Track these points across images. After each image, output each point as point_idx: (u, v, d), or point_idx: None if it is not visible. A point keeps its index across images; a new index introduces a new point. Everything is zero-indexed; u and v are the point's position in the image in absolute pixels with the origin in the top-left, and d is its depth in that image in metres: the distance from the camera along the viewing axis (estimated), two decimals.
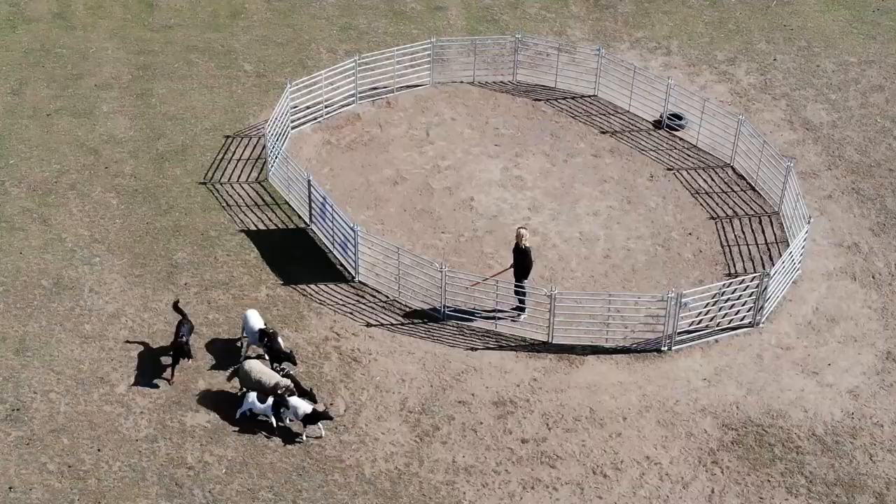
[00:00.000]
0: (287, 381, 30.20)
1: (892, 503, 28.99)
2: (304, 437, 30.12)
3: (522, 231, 32.58)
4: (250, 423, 29.91)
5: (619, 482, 29.20)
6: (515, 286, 33.20)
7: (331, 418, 30.01)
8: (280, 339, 31.27)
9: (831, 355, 32.54)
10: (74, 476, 28.69)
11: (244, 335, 32.02)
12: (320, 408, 30.04)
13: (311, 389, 30.47)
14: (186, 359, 30.39)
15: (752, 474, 29.43)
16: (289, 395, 29.96)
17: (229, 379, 30.04)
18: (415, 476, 29.13)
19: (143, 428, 29.92)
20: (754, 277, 32.75)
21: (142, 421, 30.08)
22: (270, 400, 30.19)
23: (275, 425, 30.38)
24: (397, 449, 29.74)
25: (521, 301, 33.07)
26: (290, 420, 30.13)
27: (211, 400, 30.90)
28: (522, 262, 32.90)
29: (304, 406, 29.85)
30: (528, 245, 32.79)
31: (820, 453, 29.97)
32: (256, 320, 31.75)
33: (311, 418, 29.86)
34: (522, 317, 33.17)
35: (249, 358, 31.02)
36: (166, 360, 31.03)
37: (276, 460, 29.32)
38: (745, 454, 29.89)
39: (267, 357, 31.41)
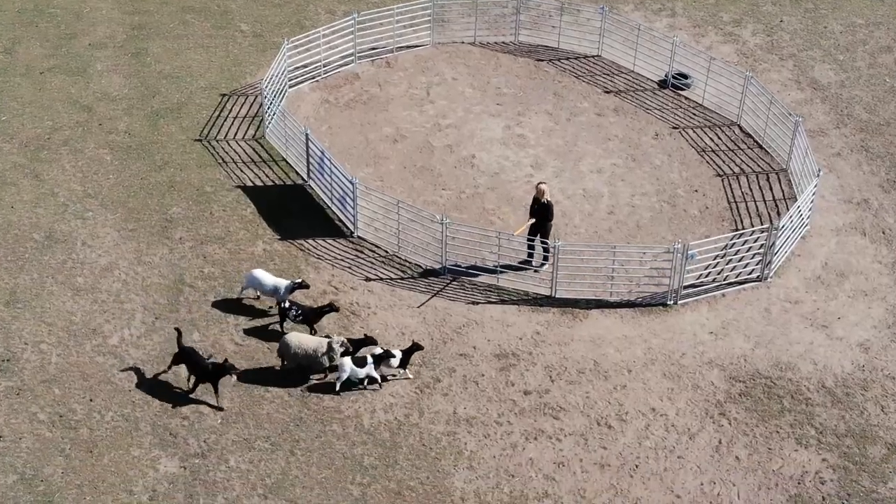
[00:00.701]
0: (340, 337, 29.60)
1: None
2: (399, 374, 30.25)
3: (543, 186, 31.83)
4: (251, 377, 29.06)
5: (623, 433, 28.39)
6: (535, 241, 32.71)
7: (422, 347, 30.13)
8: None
9: (841, 309, 31.72)
10: (66, 426, 27.88)
11: (268, 293, 31.11)
12: (405, 346, 29.94)
13: (367, 335, 30.38)
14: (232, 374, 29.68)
15: (760, 425, 28.58)
16: (342, 350, 29.47)
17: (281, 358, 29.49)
18: (415, 427, 28.31)
19: (136, 379, 28.94)
20: (762, 230, 31.78)
21: (135, 372, 29.10)
22: (370, 362, 29.56)
23: (380, 381, 29.96)
24: (397, 400, 28.92)
25: (546, 249, 32.24)
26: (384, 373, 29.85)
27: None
28: (545, 217, 31.72)
29: (394, 352, 29.79)
30: (549, 200, 31.85)
31: (830, 405, 29.13)
32: (272, 277, 31.17)
33: (405, 360, 29.90)
34: (545, 266, 32.37)
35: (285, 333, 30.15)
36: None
37: (273, 411, 28.50)
38: (753, 406, 29.06)
39: (292, 314, 30.53)
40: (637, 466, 27.75)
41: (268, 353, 29.95)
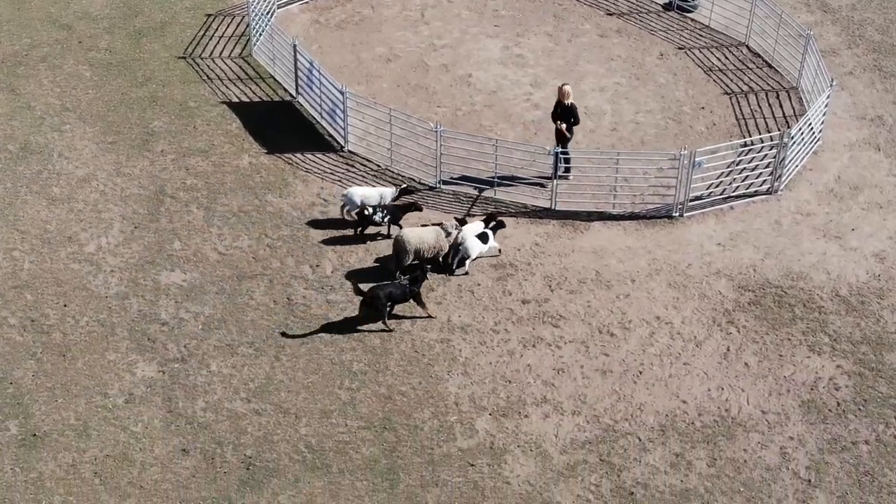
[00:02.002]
0: (448, 221, 28.98)
1: None
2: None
3: (567, 87, 30.61)
4: (233, 285, 28.61)
5: (626, 340, 26.79)
6: (560, 151, 30.66)
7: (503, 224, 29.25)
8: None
9: (855, 221, 30.16)
10: (38, 330, 26.37)
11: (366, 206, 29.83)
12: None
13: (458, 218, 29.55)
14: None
15: (770, 333, 26.98)
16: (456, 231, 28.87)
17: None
18: (406, 334, 26.73)
19: (113, 286, 27.53)
20: (773, 137, 30.15)
21: (112, 279, 27.69)
22: (491, 236, 29.06)
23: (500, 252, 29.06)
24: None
25: (567, 161, 30.64)
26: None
27: (188, 261, 28.73)
28: (569, 119, 30.28)
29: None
30: (572, 102, 30.36)
31: (844, 313, 27.51)
32: (374, 188, 30.22)
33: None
34: (568, 177, 31.17)
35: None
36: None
37: (258, 318, 26.96)
38: (762, 314, 27.46)
39: (379, 217, 29.78)
40: (641, 373, 26.16)
41: (252, 262, 28.35)
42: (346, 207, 29.25)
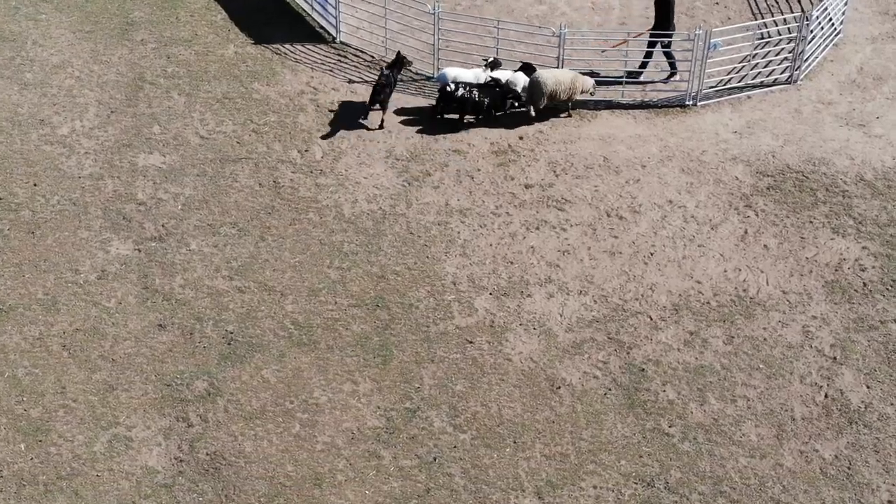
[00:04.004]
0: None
1: None
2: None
3: None
4: (217, 167, 26.18)
5: (636, 223, 24.84)
6: (662, 48, 28.85)
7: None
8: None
9: (879, 109, 28.23)
10: (5, 208, 24.61)
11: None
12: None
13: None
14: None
15: (791, 216, 25.01)
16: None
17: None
18: (401, 216, 24.72)
19: (87, 167, 25.61)
20: (794, 19, 28.14)
21: (86, 160, 25.74)
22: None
23: None
24: (381, 192, 25.35)
25: (670, 57, 28.80)
26: None
27: (168, 144, 26.91)
28: (666, 8, 28.32)
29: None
30: None
31: (870, 197, 25.56)
32: (466, 69, 28.49)
33: None
34: (676, 78, 28.43)
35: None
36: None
37: (242, 199, 25.05)
38: (782, 198, 25.50)
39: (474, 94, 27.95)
40: (652, 254, 24.17)
41: (237, 146, 26.42)
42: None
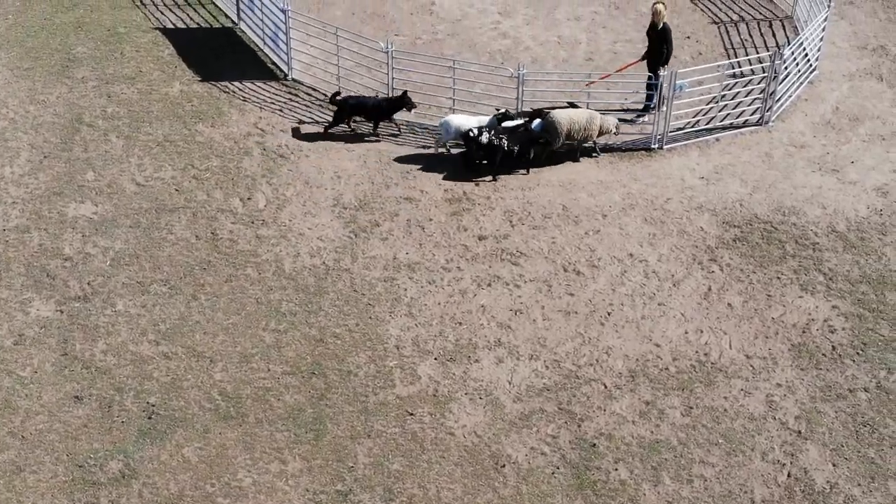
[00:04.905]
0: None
1: None
2: None
3: (659, 6, 27.04)
4: (152, 217, 24.15)
5: (594, 279, 23.18)
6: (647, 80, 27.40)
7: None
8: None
9: (854, 153, 26.63)
10: None
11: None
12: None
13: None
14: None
15: (757, 271, 23.42)
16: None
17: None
18: (345, 272, 23.13)
19: (13, 218, 24.13)
20: (763, 59, 26.62)
21: (13, 211, 24.26)
22: None
23: None
24: (326, 244, 23.78)
25: (650, 98, 27.21)
26: None
27: (101, 192, 24.95)
28: (661, 44, 27.04)
29: None
30: (666, 23, 27.13)
31: (842, 250, 23.95)
32: (472, 118, 27.22)
33: None
34: (644, 119, 27.19)
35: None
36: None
37: (176, 253, 23.43)
38: (749, 251, 23.90)
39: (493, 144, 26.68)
40: (609, 314, 22.56)
41: (174, 194, 24.90)
42: (444, 140, 26.47)
